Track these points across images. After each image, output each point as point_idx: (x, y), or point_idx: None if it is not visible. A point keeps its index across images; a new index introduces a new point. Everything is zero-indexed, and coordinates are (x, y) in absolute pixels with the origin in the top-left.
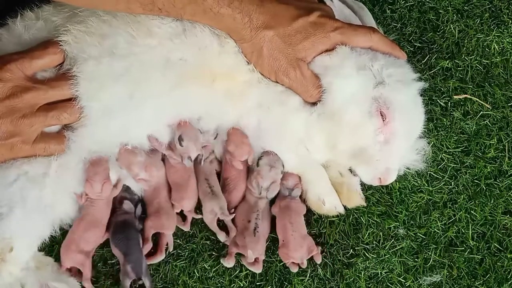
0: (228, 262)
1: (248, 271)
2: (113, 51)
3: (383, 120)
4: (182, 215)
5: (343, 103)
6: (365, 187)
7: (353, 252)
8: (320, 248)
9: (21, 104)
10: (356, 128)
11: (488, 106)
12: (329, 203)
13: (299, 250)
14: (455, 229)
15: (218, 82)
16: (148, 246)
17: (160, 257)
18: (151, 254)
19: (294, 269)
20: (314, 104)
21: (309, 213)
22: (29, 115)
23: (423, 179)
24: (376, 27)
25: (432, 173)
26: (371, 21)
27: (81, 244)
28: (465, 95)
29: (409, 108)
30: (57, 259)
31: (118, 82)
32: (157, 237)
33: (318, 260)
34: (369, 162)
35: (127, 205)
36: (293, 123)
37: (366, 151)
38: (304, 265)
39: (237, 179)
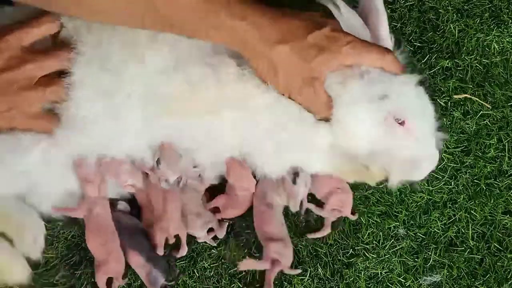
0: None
1: (248, 271)
2: (104, 63)
3: (402, 125)
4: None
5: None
6: (364, 187)
7: (353, 252)
8: None
9: (19, 76)
10: (387, 151)
11: (488, 106)
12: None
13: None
14: (455, 229)
15: (223, 113)
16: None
17: None
18: None
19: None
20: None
21: (309, 212)
22: (27, 88)
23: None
24: (389, 37)
25: (432, 173)
26: (385, 29)
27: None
28: (465, 95)
29: (416, 103)
30: (57, 257)
31: (102, 96)
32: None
33: None
34: (415, 166)
35: (122, 205)
36: (315, 138)
37: (407, 159)
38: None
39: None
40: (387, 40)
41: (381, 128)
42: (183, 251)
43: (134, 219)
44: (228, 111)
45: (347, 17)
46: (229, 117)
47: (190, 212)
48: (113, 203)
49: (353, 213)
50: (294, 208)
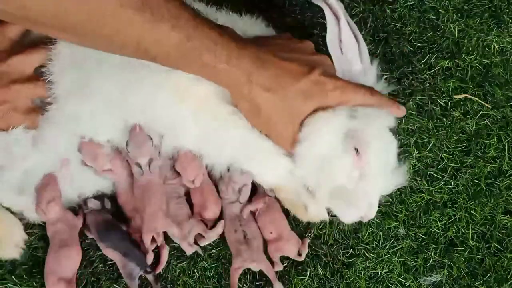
0: None
1: (248, 270)
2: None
3: (357, 154)
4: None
5: (317, 158)
6: None
7: (353, 252)
8: (308, 239)
9: (8, 69)
10: (329, 171)
11: (488, 106)
12: (314, 208)
13: (292, 240)
14: (455, 229)
15: (187, 103)
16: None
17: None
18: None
19: (280, 267)
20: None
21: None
22: (18, 81)
23: (423, 179)
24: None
25: (432, 173)
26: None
27: (58, 271)
28: (465, 95)
29: (381, 141)
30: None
31: (77, 67)
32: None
33: (304, 252)
34: (347, 201)
35: (92, 203)
36: (275, 155)
37: (341, 192)
38: (302, 258)
39: (201, 198)
40: (372, 70)
41: (338, 144)
42: (189, 250)
43: (105, 214)
44: (192, 102)
45: (344, 51)
46: (192, 108)
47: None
48: (84, 201)
49: (299, 254)
50: (233, 194)
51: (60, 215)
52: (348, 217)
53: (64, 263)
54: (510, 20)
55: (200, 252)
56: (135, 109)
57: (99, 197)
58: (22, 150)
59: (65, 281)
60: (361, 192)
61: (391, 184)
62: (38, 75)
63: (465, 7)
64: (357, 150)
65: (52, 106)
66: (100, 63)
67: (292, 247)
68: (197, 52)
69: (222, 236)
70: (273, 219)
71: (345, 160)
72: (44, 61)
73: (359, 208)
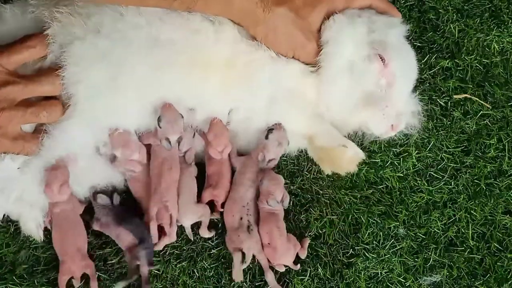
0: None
1: (248, 270)
2: (98, 29)
3: (383, 63)
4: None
5: (344, 60)
6: (365, 186)
7: (353, 252)
8: (308, 240)
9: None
10: (358, 77)
11: (488, 106)
12: (351, 148)
13: (286, 254)
14: (455, 229)
15: (212, 73)
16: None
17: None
18: None
19: (282, 269)
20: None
21: (309, 212)
22: (7, 109)
23: (423, 179)
24: None
25: (432, 173)
26: None
27: (82, 249)
28: (465, 95)
29: (402, 48)
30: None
31: (102, 61)
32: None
33: (303, 255)
34: (378, 111)
35: (101, 199)
36: (303, 89)
37: (372, 99)
38: (297, 267)
39: (218, 174)
40: None
41: (362, 50)
42: (171, 238)
43: (113, 209)
44: (218, 70)
45: None
46: (219, 75)
47: (188, 201)
48: (93, 196)
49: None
50: (261, 163)
51: (69, 197)
52: (380, 127)
53: (78, 239)
54: (510, 20)
55: (191, 237)
56: (165, 89)
57: (109, 192)
58: (13, 184)
59: (82, 254)
60: (389, 100)
61: (412, 100)
62: (30, 102)
63: (465, 7)
64: (382, 58)
65: (71, 108)
66: (127, 48)
67: (286, 259)
68: None
69: (222, 236)
70: (270, 230)
71: (372, 67)
72: (40, 92)
73: (389, 116)
